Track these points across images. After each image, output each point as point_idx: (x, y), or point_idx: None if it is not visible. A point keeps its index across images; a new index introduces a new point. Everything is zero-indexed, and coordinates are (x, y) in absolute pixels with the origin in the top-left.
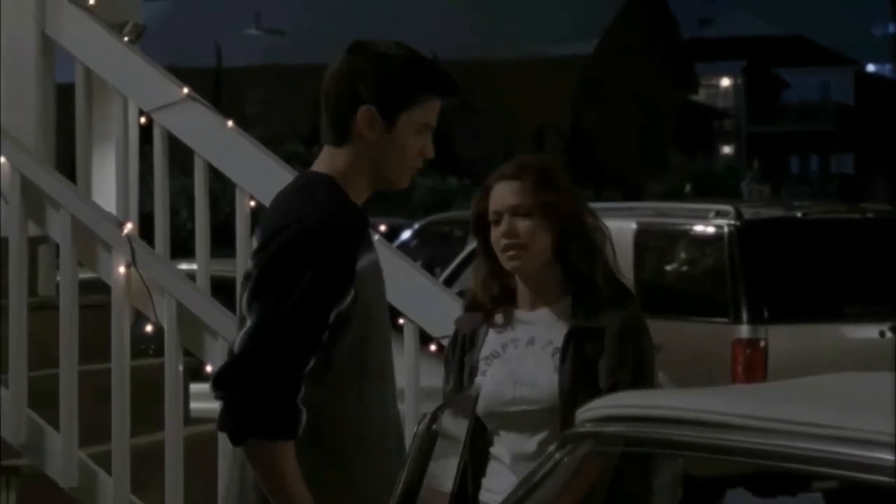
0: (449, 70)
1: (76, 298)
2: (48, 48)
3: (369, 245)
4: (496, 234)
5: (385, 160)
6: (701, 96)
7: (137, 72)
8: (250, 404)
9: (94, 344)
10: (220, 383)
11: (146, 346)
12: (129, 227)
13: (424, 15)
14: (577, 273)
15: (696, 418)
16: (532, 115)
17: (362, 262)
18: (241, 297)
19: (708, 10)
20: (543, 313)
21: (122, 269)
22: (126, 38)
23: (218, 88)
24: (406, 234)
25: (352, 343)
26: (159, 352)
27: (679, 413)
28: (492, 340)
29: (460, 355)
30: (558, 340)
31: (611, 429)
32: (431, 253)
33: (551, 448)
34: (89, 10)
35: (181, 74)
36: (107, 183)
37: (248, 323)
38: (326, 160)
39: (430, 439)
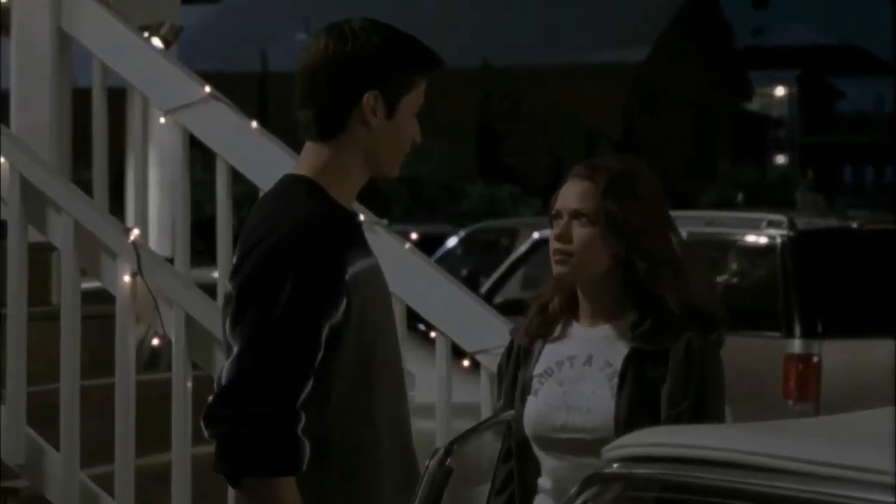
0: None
1: (78, 308)
2: (64, 44)
3: (363, 250)
4: (551, 235)
5: (384, 149)
6: (755, 105)
7: (157, 69)
8: (245, 441)
9: (105, 357)
10: (211, 420)
11: None
12: (135, 233)
13: (473, 21)
14: (642, 291)
15: (741, 461)
16: (583, 123)
17: (354, 269)
18: (224, 321)
19: (762, 18)
20: (604, 330)
21: (126, 278)
22: (163, 39)
23: (265, 93)
24: (452, 243)
25: (353, 358)
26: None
27: (721, 454)
28: (547, 356)
29: (514, 369)
30: (618, 362)
31: (642, 471)
32: (477, 262)
33: (573, 491)
34: (107, 4)
35: (228, 79)
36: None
37: (234, 350)
38: (308, 159)
39: (442, 476)
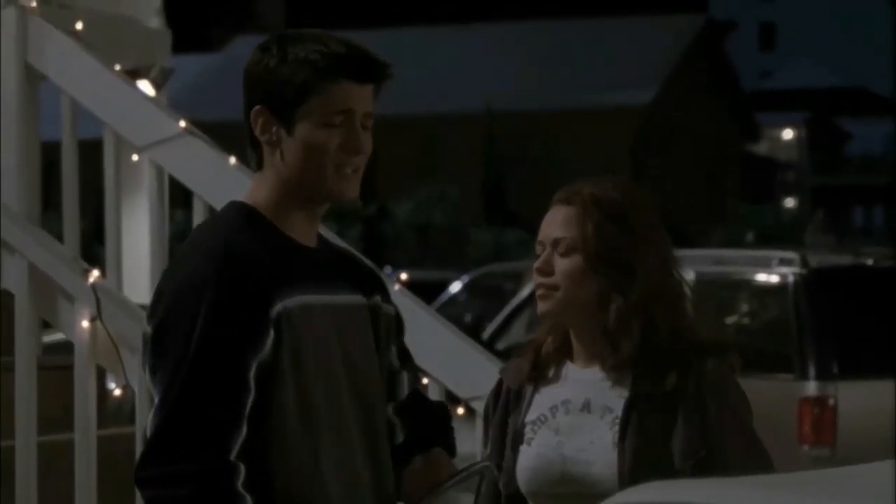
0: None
1: (34, 358)
2: (31, 79)
3: (306, 285)
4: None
5: (301, 168)
6: (763, 148)
7: (129, 104)
8: (182, 500)
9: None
10: (142, 480)
11: None
12: (94, 274)
13: (479, 66)
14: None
15: None
16: (588, 166)
17: (287, 303)
18: (144, 368)
19: (770, 61)
20: (599, 372)
21: (85, 323)
22: (153, 82)
23: None
24: (455, 288)
25: (293, 403)
26: None
27: None
28: (540, 401)
29: (503, 415)
30: (618, 408)
31: None
32: (481, 307)
33: None
34: (77, 37)
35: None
36: (138, 239)
37: (155, 400)
38: (251, 188)
39: None
